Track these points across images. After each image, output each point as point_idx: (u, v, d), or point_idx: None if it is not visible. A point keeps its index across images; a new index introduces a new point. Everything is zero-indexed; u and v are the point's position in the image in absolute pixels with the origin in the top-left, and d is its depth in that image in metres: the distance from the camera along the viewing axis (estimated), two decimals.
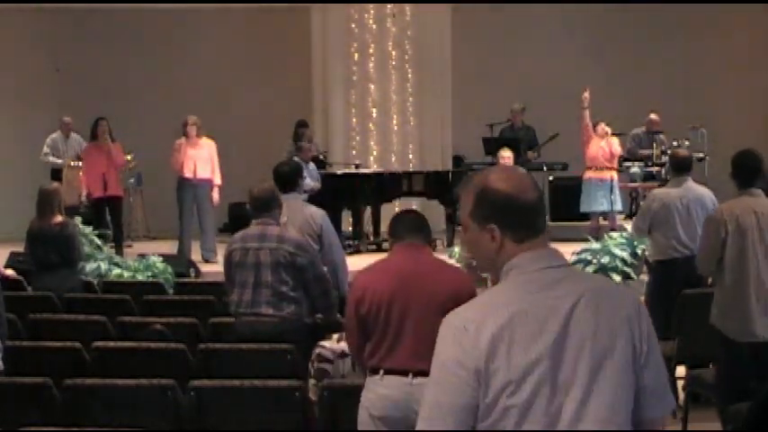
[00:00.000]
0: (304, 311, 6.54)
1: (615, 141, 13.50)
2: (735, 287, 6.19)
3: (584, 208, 13.50)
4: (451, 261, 10.58)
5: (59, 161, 14.41)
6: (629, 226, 11.59)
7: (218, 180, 12.91)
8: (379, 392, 4.77)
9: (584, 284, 2.67)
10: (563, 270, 2.69)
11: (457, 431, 2.56)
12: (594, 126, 13.43)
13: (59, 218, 8.72)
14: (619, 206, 13.38)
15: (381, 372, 4.80)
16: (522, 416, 2.54)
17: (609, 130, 13.40)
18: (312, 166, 13.29)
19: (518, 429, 2.54)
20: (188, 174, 12.74)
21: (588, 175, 13.46)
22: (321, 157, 14.19)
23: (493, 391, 2.54)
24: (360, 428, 4.83)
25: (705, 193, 8.10)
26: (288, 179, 7.35)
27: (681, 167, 8.04)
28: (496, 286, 2.70)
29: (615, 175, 13.41)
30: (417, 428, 2.61)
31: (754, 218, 6.20)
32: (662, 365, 2.70)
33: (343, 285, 7.02)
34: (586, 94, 13.20)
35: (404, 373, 4.72)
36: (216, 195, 12.92)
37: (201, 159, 12.80)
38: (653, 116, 14.18)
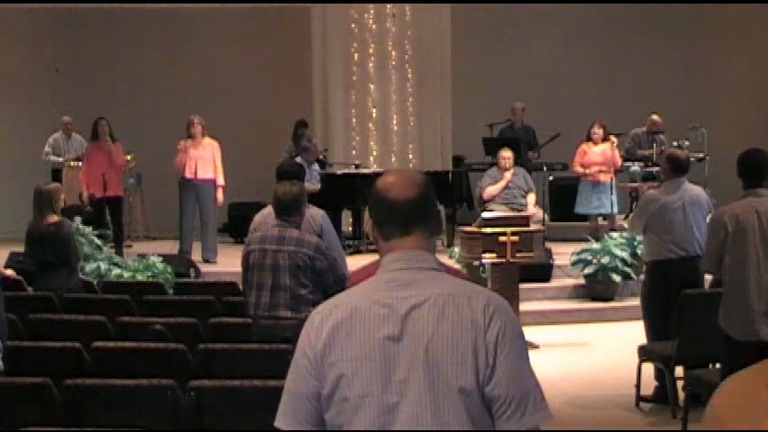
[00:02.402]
0: None
1: (615, 150, 13.45)
2: (736, 287, 6.20)
3: (578, 209, 13.45)
4: (451, 261, 10.60)
5: (60, 159, 14.44)
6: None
7: (221, 181, 12.91)
8: None
9: (437, 289, 2.64)
10: (421, 272, 2.68)
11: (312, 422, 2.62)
12: (589, 130, 13.39)
13: (55, 218, 8.66)
14: (616, 209, 13.32)
15: None
16: (356, 410, 2.58)
17: (601, 132, 13.29)
18: (316, 166, 13.30)
19: (350, 423, 2.57)
20: (189, 174, 12.74)
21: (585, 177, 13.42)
22: (321, 156, 14.19)
23: (329, 382, 2.60)
24: None
25: (700, 193, 8.09)
26: (290, 179, 7.34)
27: (679, 168, 7.97)
28: (363, 282, 2.75)
29: (613, 177, 13.34)
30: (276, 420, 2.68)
31: (756, 218, 6.18)
32: (521, 376, 2.59)
33: (344, 285, 7.01)
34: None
35: None
36: (220, 196, 12.95)
37: (204, 160, 12.81)
38: (655, 117, 14.12)
